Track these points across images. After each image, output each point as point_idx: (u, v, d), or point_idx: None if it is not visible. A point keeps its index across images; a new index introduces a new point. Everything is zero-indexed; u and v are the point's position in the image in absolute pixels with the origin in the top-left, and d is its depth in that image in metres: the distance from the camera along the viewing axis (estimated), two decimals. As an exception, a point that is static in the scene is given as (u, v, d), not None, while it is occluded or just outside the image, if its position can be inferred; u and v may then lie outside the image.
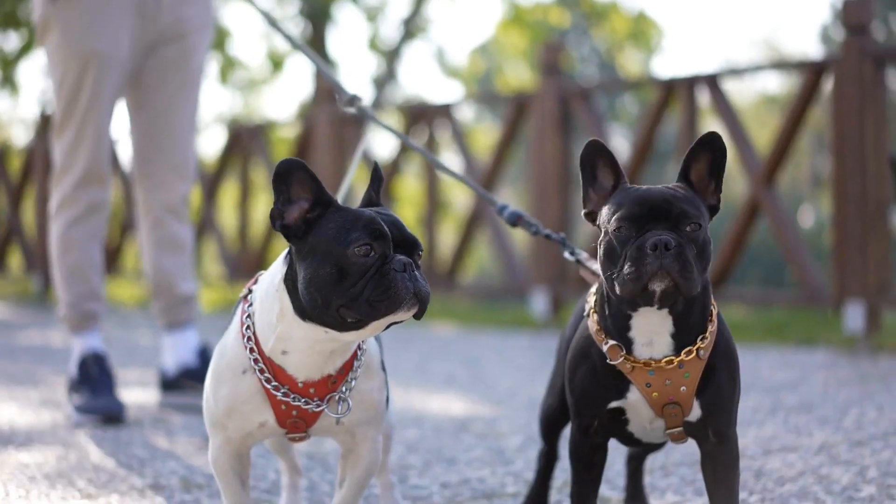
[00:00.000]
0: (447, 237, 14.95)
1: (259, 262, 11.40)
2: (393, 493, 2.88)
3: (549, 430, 2.92)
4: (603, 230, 2.35)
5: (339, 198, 2.98)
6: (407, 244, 2.29)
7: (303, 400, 2.39)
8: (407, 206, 17.38)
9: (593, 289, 2.52)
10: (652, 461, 3.68)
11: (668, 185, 2.40)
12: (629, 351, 2.39)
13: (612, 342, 2.39)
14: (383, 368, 2.49)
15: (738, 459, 2.47)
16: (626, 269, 2.27)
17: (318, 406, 2.39)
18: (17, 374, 6.42)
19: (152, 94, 4.79)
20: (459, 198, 20.15)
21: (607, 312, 2.40)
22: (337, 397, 2.40)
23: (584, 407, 2.44)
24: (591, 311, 2.46)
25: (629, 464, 3.02)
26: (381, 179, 2.45)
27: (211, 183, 12.29)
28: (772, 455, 3.77)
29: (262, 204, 15.35)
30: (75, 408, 4.62)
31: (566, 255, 2.82)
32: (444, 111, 10.09)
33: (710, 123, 16.38)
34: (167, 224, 4.80)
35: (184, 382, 4.91)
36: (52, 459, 3.89)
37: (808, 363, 6.29)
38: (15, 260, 15.61)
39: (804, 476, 3.43)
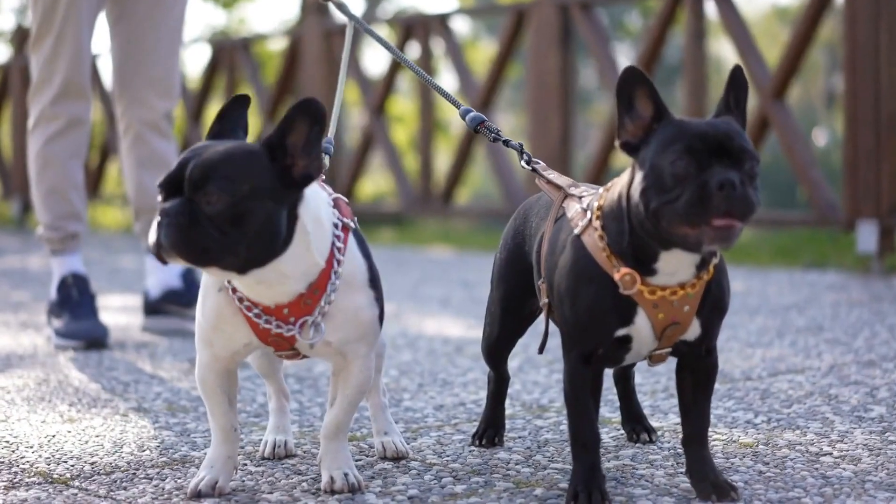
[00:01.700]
0: (442, 158, 14.92)
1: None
2: (385, 414, 2.90)
3: (498, 359, 2.97)
4: (649, 162, 2.29)
5: (333, 116, 2.99)
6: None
7: (275, 322, 2.41)
8: (400, 127, 17.34)
9: (574, 205, 2.50)
10: (653, 383, 3.71)
11: (719, 118, 2.37)
12: (646, 276, 2.36)
13: (624, 269, 2.36)
14: (373, 286, 2.49)
15: (718, 369, 2.52)
16: (684, 206, 2.22)
17: (290, 331, 2.41)
18: (-6, 300, 6.44)
19: (132, 4, 4.75)
20: (455, 117, 20.05)
21: (627, 241, 2.36)
22: (310, 321, 2.41)
23: (588, 335, 2.42)
24: (591, 231, 2.42)
25: (618, 384, 3.04)
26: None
27: (195, 102, 12.24)
28: (779, 376, 3.80)
29: (250, 124, 15.30)
30: (55, 332, 4.63)
31: (522, 163, 2.80)
32: (439, 22, 10.02)
33: (719, 38, 16.32)
34: (148, 140, 4.76)
35: (167, 306, 4.92)
36: (31, 383, 3.91)
37: (817, 284, 6.32)
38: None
39: (812, 397, 3.46)
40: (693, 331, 2.43)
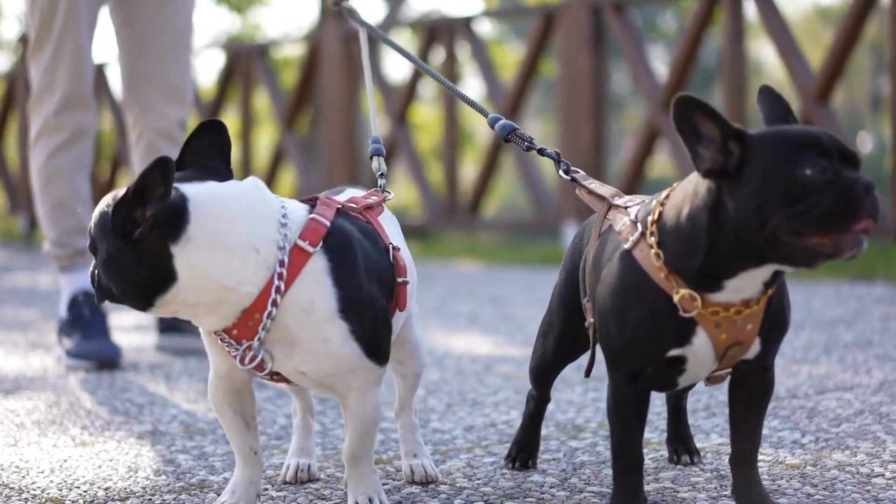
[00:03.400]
0: (468, 168, 14.93)
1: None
2: (415, 436, 2.90)
3: (545, 382, 2.94)
4: (765, 176, 2.25)
5: (373, 127, 3.02)
6: None
7: (227, 342, 2.43)
8: (424, 135, 17.37)
9: (623, 218, 2.47)
10: (694, 402, 3.70)
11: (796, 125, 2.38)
12: (710, 293, 2.33)
13: (683, 290, 2.33)
14: (346, 317, 2.40)
15: (774, 387, 2.51)
16: (829, 212, 2.19)
17: (237, 354, 2.42)
18: (2, 319, 6.48)
19: (137, 8, 4.75)
20: (481, 125, 20.08)
21: (700, 261, 2.30)
22: (252, 345, 2.41)
23: (636, 354, 2.40)
24: (644, 246, 2.38)
25: (669, 401, 3.03)
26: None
27: (209, 112, 12.29)
28: (826, 394, 3.78)
29: (266, 133, 15.34)
30: (66, 352, 4.65)
31: (560, 173, 2.77)
32: (463, 26, 10.04)
33: (758, 39, 16.28)
34: (161, 149, 4.73)
35: (182, 323, 4.91)
36: (42, 406, 3.93)
37: (866, 297, 6.29)
38: (-3, 199, 15.67)
39: (862, 415, 3.44)
40: (753, 349, 2.42)
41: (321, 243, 2.40)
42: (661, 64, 25.71)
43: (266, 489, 2.81)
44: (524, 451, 2.98)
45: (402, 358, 2.85)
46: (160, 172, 2.27)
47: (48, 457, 3.20)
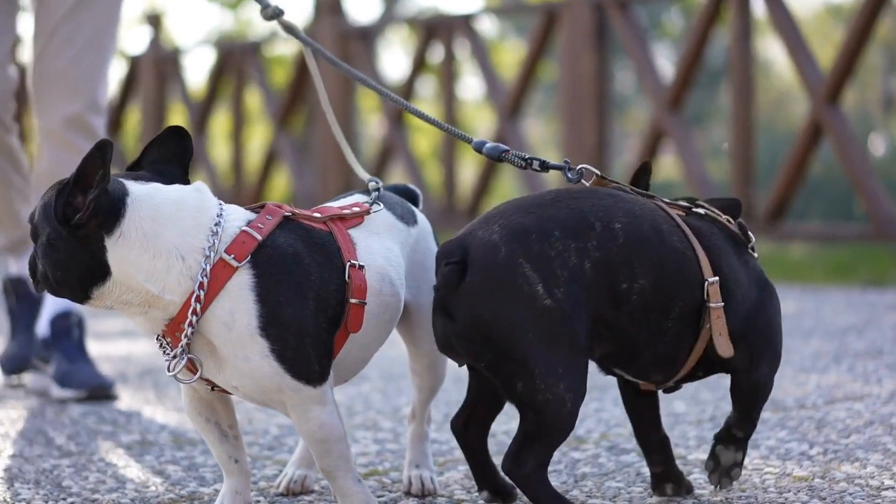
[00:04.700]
0: (468, 169, 14.95)
1: (256, 197, 11.43)
2: (422, 446, 2.91)
3: None
4: None
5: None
6: None
7: (163, 348, 2.46)
8: (421, 136, 17.38)
9: None
10: (700, 413, 3.71)
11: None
12: None
13: None
14: (267, 335, 2.38)
15: None
16: None
17: (166, 358, 2.44)
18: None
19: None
20: (482, 124, 20.12)
21: None
22: (174, 353, 2.43)
23: None
24: None
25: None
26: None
27: (200, 111, 12.30)
28: (836, 404, 3.80)
29: (258, 133, 15.35)
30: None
31: (571, 178, 2.71)
32: (463, 23, 10.06)
33: (767, 37, 16.27)
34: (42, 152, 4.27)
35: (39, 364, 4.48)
36: (25, 414, 3.94)
37: (877, 304, 6.31)
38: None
39: (872, 426, 3.46)
40: None
41: (248, 257, 2.40)
42: (666, 63, 25.70)
43: (258, 500, 2.82)
44: None
45: (419, 370, 2.87)
46: (99, 154, 2.31)
47: (33, 467, 3.21)
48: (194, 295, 2.37)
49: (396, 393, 4.27)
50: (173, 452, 3.38)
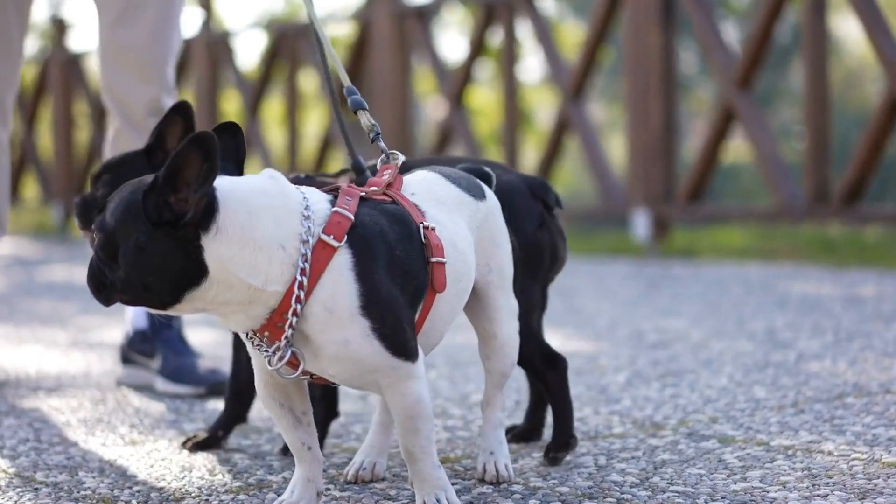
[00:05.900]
0: (530, 153, 14.92)
1: (312, 184, 11.44)
2: (496, 433, 2.90)
3: None
4: None
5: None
6: None
7: (257, 344, 2.45)
8: (482, 119, 17.36)
9: None
10: (781, 398, 3.69)
11: None
12: None
13: None
14: (368, 314, 2.41)
15: None
16: None
17: (266, 353, 2.44)
18: (41, 314, 6.54)
19: None
20: (543, 107, 20.08)
21: None
22: (279, 346, 2.42)
23: None
24: None
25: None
26: None
27: (253, 95, 12.35)
28: (922, 390, 3.77)
29: (314, 117, 15.39)
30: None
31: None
32: (525, 4, 10.03)
33: (841, 13, 16.14)
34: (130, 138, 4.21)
35: (138, 357, 4.39)
36: (87, 404, 3.97)
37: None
38: (30, 189, 15.83)
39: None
40: None
41: (345, 238, 2.42)
42: (732, 41, 25.50)
43: (328, 489, 2.83)
44: None
45: (489, 353, 2.86)
46: (197, 150, 2.28)
47: (97, 456, 3.23)
48: (297, 282, 2.37)
49: (464, 380, 4.27)
50: (238, 441, 3.39)
